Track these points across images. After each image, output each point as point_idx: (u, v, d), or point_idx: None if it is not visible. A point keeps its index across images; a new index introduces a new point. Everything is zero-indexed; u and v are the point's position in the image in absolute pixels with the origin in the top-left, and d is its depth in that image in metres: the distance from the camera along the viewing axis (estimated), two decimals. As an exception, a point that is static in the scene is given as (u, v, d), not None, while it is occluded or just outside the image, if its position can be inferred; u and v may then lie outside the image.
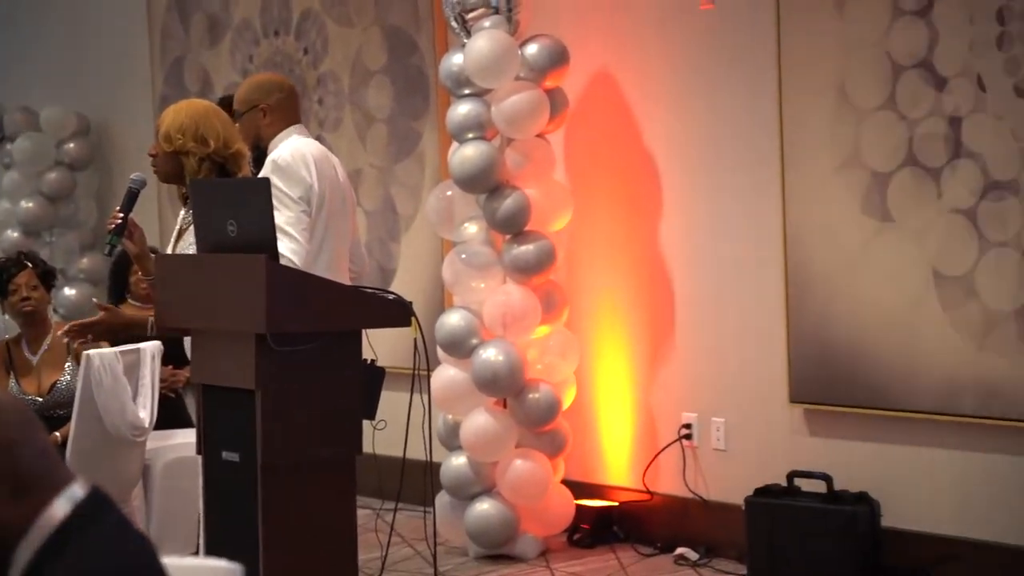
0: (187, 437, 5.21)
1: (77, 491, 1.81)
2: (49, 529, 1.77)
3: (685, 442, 5.23)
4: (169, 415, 5.35)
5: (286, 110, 4.28)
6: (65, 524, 1.77)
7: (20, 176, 7.86)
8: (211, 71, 7.25)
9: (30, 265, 5.23)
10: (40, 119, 7.91)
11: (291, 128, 4.26)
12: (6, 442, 1.76)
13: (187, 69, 7.41)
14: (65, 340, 3.86)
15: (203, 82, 7.29)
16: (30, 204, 7.85)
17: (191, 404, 5.92)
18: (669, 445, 5.26)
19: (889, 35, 4.59)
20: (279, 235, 3.98)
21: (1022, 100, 4.31)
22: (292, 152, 4.13)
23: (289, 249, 3.96)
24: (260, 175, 4.10)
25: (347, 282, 4.29)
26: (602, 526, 5.35)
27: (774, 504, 4.63)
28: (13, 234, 7.91)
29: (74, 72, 8.15)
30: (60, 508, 1.78)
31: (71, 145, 7.93)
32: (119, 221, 3.90)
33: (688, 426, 5.23)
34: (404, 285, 5.87)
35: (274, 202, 3.99)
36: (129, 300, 5.93)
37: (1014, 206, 4.33)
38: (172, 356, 5.38)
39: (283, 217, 4.00)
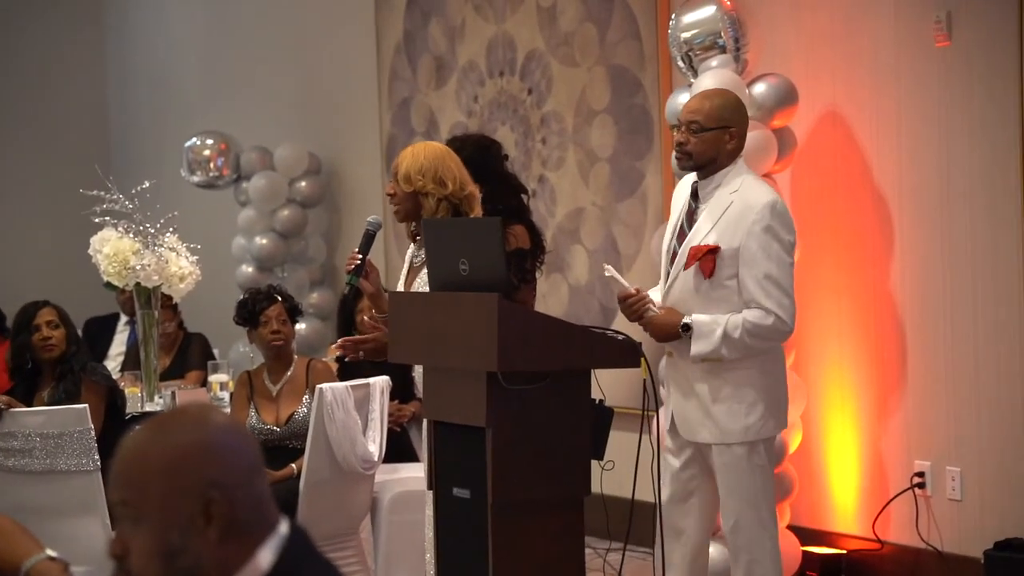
0: (413, 471, 5.31)
1: (281, 541, 1.76)
2: None
3: (918, 491, 5.07)
4: (395, 449, 5.43)
5: (743, 139, 4.12)
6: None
7: (255, 213, 8.11)
8: (437, 112, 7.40)
9: (279, 299, 5.34)
10: (274, 158, 8.15)
11: (740, 159, 4.10)
12: (229, 485, 1.72)
13: (414, 110, 7.57)
14: (338, 354, 3.98)
15: (429, 123, 7.45)
16: (264, 240, 8.08)
17: (415, 438, 6.05)
18: (901, 493, 5.10)
19: None
20: (772, 287, 3.87)
21: None
22: (777, 197, 4.00)
23: (781, 306, 3.88)
24: (756, 220, 3.91)
25: None
26: (830, 573, 5.22)
27: (1017, 559, 4.44)
28: (248, 269, 8.14)
29: (306, 113, 8.42)
30: (264, 559, 1.73)
31: (303, 184, 8.15)
32: (357, 261, 3.99)
33: (921, 474, 5.07)
34: (627, 325, 5.84)
35: (770, 247, 3.88)
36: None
37: None
38: (398, 391, 5.50)
39: (778, 268, 3.90)
